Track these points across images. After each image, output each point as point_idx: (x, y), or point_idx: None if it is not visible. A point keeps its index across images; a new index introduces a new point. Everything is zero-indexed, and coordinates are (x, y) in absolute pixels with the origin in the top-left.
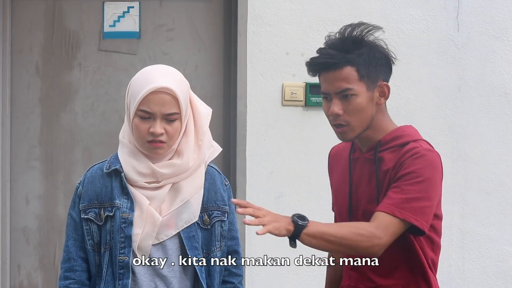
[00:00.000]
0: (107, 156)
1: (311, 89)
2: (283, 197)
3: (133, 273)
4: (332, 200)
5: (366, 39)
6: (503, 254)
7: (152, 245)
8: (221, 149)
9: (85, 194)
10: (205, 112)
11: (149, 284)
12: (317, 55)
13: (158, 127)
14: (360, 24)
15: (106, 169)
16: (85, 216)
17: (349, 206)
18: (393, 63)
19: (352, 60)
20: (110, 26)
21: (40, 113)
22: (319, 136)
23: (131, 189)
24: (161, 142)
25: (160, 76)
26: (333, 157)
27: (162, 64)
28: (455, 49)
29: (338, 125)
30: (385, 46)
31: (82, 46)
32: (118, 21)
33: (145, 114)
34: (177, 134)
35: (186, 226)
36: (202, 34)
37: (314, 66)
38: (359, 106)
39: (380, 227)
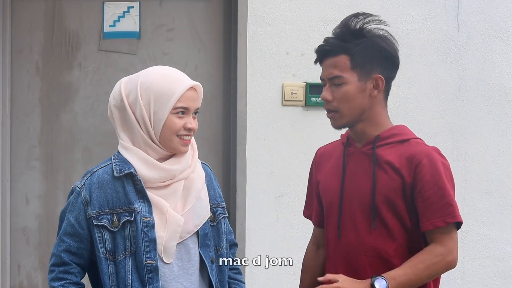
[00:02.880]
0: (108, 156)
1: (311, 89)
2: (283, 197)
3: (163, 274)
4: (310, 202)
5: (366, 30)
6: (503, 254)
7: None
8: None
9: (95, 200)
10: None
11: (176, 285)
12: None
13: (194, 123)
14: (359, 14)
15: (117, 173)
16: (98, 223)
17: (340, 200)
18: (398, 60)
19: (347, 49)
20: (110, 26)
21: (40, 113)
22: (319, 136)
23: (147, 191)
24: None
25: (183, 75)
26: (321, 156)
27: (161, 66)
28: (455, 49)
29: (329, 110)
30: (394, 42)
31: (82, 46)
32: (118, 21)
33: (180, 110)
34: None
35: (204, 222)
36: (202, 34)
37: (316, 52)
38: (347, 94)
39: (443, 243)
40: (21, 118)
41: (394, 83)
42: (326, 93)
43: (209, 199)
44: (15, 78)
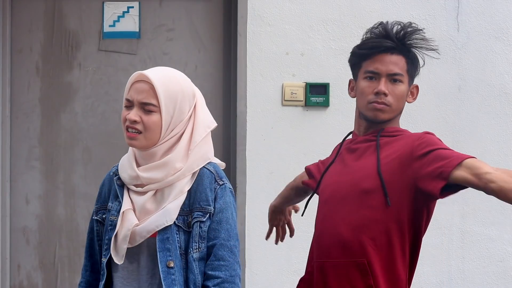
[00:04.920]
0: (107, 156)
1: (311, 89)
2: None
3: (112, 277)
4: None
5: (409, 42)
6: (503, 254)
7: (129, 248)
8: (224, 164)
9: (99, 196)
10: (204, 123)
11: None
12: (368, 37)
13: (132, 113)
14: (409, 24)
15: (112, 172)
16: (95, 217)
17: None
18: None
19: (404, 52)
20: (110, 26)
21: (40, 113)
22: (319, 136)
23: (124, 192)
24: (137, 132)
25: (148, 70)
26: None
27: (172, 68)
28: (455, 49)
29: (381, 103)
30: (421, 61)
31: (82, 46)
32: (118, 21)
33: (127, 103)
34: (155, 127)
35: (157, 230)
36: (202, 34)
37: (370, 45)
38: (401, 93)
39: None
40: (21, 118)
41: None
42: (383, 86)
43: (192, 203)
44: (15, 78)
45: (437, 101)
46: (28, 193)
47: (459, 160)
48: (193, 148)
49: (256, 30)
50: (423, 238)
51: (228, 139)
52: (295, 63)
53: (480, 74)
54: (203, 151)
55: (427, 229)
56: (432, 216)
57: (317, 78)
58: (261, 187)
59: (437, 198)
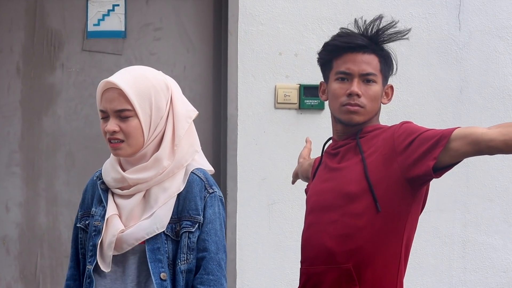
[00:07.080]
0: (91, 161)
1: (305, 91)
2: (276, 205)
3: (96, 285)
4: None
5: (382, 39)
6: (506, 264)
7: (114, 255)
8: (213, 170)
9: (82, 202)
10: (184, 114)
11: None
12: (337, 35)
13: (109, 124)
14: (380, 18)
15: (95, 176)
16: (79, 225)
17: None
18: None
19: (377, 51)
20: (94, 25)
21: (21, 116)
22: (313, 140)
23: (108, 197)
24: (120, 141)
25: (113, 75)
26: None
27: (138, 65)
28: (457, 49)
29: (355, 104)
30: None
31: (65, 46)
32: (103, 19)
33: (102, 114)
34: (135, 132)
35: (148, 237)
36: (191, 33)
37: (342, 40)
38: (376, 94)
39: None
40: (1, 121)
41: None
42: (356, 87)
43: (181, 211)
44: None
45: (438, 104)
46: (8, 201)
47: (447, 135)
48: (178, 143)
49: (247, 29)
50: (423, 248)
51: (218, 144)
52: (289, 64)
53: (483, 75)
54: (189, 144)
55: (427, 238)
56: (433, 224)
57: (311, 80)
58: (252, 194)
59: (433, 178)
